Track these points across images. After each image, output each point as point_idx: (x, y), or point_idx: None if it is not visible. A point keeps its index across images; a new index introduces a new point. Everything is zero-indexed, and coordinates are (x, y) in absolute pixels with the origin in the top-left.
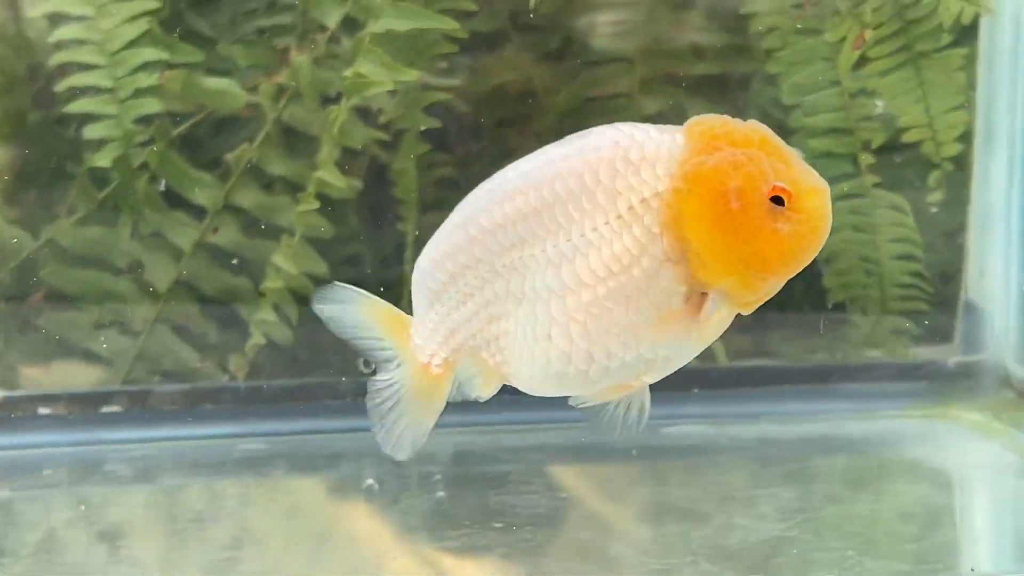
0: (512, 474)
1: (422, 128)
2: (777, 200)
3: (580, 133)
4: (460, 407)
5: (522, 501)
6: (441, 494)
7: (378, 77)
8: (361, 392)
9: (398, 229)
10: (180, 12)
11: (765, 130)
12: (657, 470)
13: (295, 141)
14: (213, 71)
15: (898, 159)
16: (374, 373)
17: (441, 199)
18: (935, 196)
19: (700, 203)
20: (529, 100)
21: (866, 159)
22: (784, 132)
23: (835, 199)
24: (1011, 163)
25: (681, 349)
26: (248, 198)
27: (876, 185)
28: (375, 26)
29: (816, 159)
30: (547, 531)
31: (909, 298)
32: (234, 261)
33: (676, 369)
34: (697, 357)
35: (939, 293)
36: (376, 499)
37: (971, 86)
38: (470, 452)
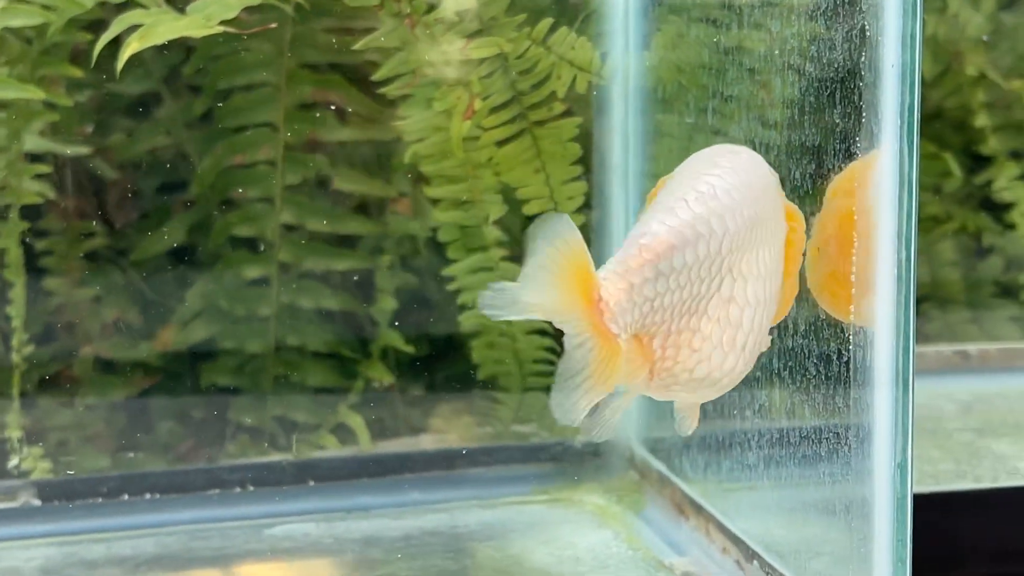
0: None
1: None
2: None
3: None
4: None
5: None
6: None
7: None
8: None
9: (5, 312)
10: None
11: None
12: None
13: None
14: None
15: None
16: None
17: (98, 270)
18: None
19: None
20: (183, 165)
21: (493, 233)
22: (423, 204)
23: (469, 272)
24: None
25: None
26: None
27: (504, 259)
28: None
29: (457, 228)
30: None
31: (544, 374)
32: None
33: None
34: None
35: None
36: None
37: (588, 155)
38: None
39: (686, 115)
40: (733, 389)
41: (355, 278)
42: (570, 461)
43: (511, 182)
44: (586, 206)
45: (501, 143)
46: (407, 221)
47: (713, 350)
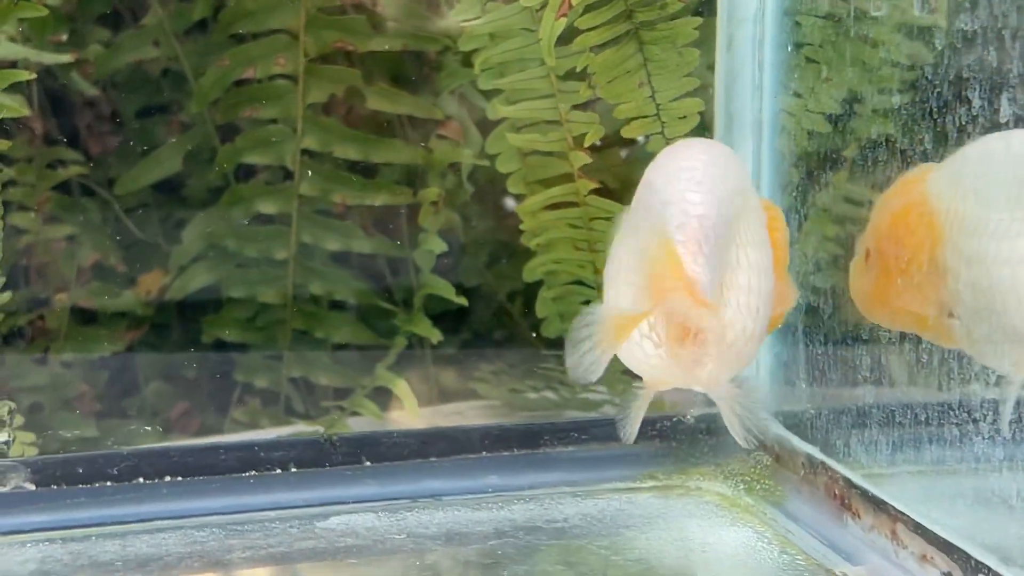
0: None
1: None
2: None
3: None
4: None
5: None
6: None
7: None
8: None
9: None
10: None
11: None
12: None
13: None
14: None
15: (619, 158)
16: None
17: (71, 205)
18: None
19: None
20: (175, 83)
21: (579, 159)
22: (484, 126)
23: (544, 208)
24: (757, 161)
25: None
26: None
27: (593, 191)
28: None
29: (528, 156)
30: None
31: None
32: None
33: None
34: None
35: None
36: None
37: (708, 66)
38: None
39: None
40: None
41: (393, 215)
42: (679, 440)
43: (608, 97)
44: (701, 128)
45: (598, 48)
46: (456, 148)
47: (735, 314)
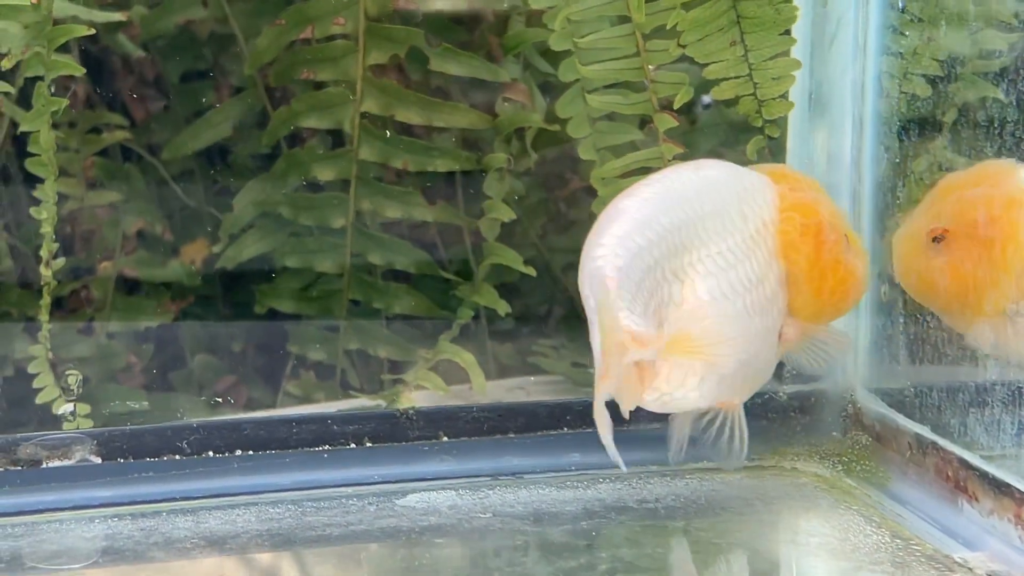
0: None
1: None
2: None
3: (688, 164)
4: None
5: None
6: None
7: None
8: None
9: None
10: None
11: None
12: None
13: None
14: None
15: (707, 122)
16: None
17: (114, 171)
18: None
19: (804, 231)
20: (223, 45)
21: (664, 122)
22: (550, 89)
23: (622, 175)
24: (856, 130)
25: (768, 373)
26: None
27: (678, 156)
28: None
29: (597, 121)
30: None
31: None
32: None
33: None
34: None
35: None
36: None
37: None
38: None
39: None
40: None
41: (448, 184)
42: (771, 418)
43: (698, 56)
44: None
45: (688, 4)
46: (523, 112)
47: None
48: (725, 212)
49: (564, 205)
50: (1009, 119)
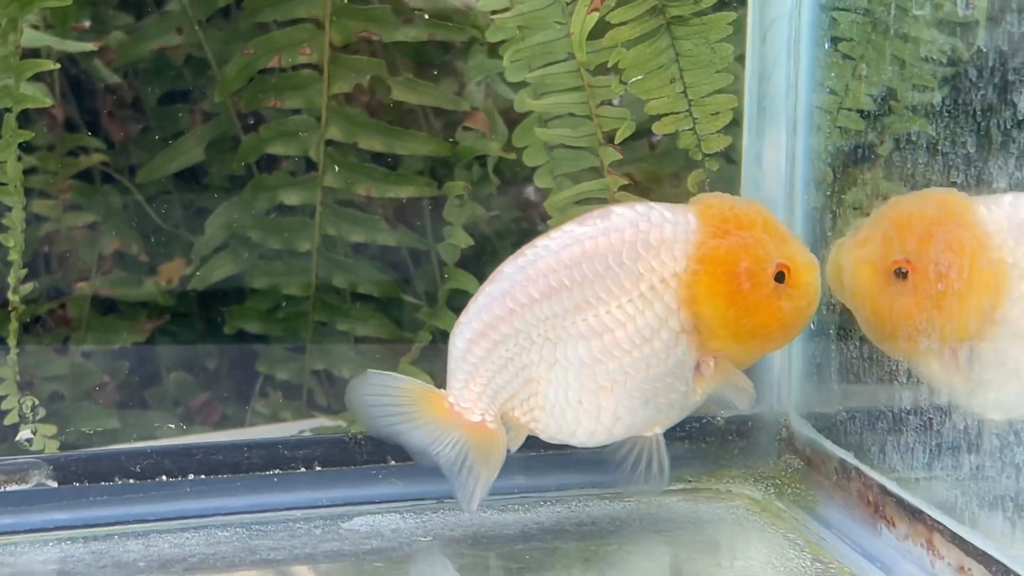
0: None
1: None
2: (779, 277)
3: (600, 212)
4: None
5: None
6: None
7: None
8: None
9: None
10: None
11: (766, 211)
12: None
13: None
14: None
15: (665, 148)
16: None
17: (92, 194)
18: None
19: (715, 283)
20: (198, 70)
21: (608, 155)
22: (510, 119)
23: (573, 203)
24: (791, 160)
25: (685, 405)
26: None
27: (623, 188)
28: None
29: (554, 149)
30: None
31: None
32: None
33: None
34: None
35: None
36: None
37: (740, 60)
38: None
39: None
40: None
41: (415, 208)
42: (708, 442)
43: (639, 93)
44: (735, 125)
45: (630, 43)
46: (482, 140)
47: (555, 409)
48: (611, 276)
49: (530, 227)
50: (941, 151)
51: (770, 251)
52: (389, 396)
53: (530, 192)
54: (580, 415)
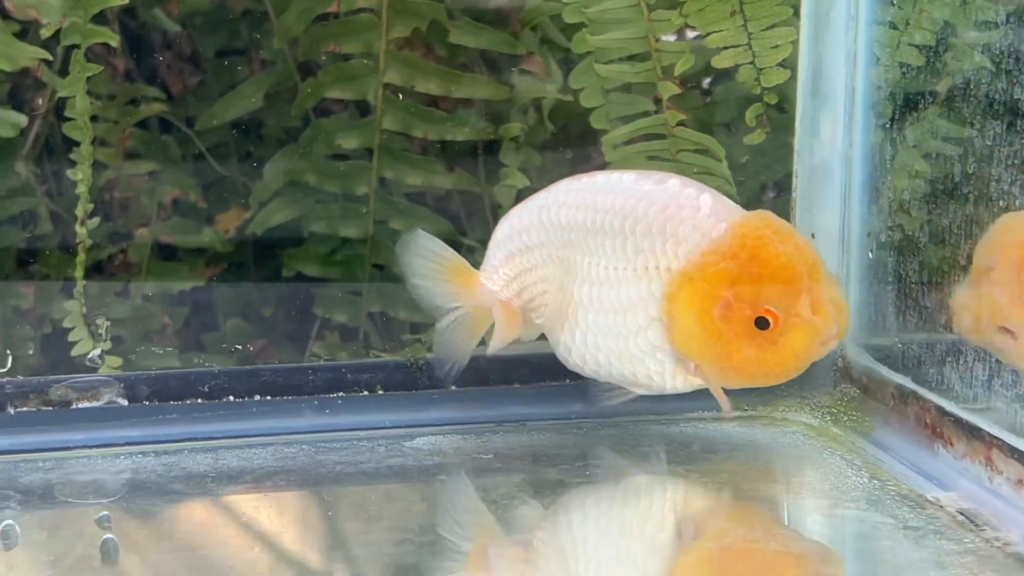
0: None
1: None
2: (761, 323)
3: (660, 175)
4: None
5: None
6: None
7: None
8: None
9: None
10: None
11: (808, 258)
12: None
13: None
14: None
15: (708, 90)
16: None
17: (150, 143)
18: (754, 137)
19: (691, 297)
20: (256, 21)
21: (668, 89)
22: (570, 65)
23: (629, 140)
24: (850, 95)
25: (665, 387)
26: None
27: (681, 123)
28: None
29: (609, 92)
30: None
31: None
32: None
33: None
34: None
35: None
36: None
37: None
38: (143, 481)
39: None
40: None
41: (474, 151)
42: None
43: (699, 26)
44: (794, 56)
45: None
46: (539, 83)
47: (552, 330)
48: (621, 238)
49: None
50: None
51: (762, 293)
52: (431, 256)
53: (585, 144)
54: (566, 342)
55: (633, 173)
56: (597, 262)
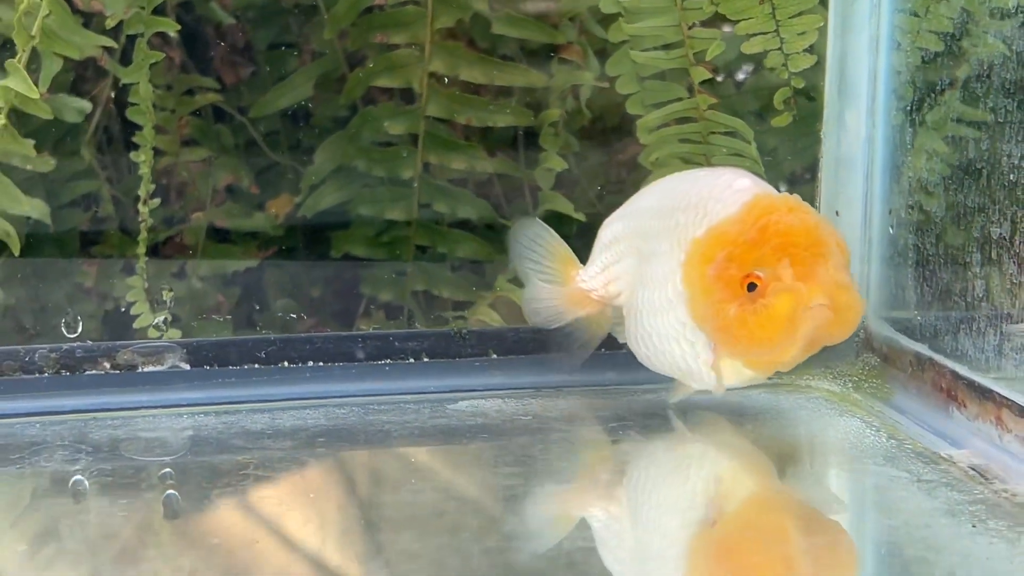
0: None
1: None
2: (750, 287)
3: (718, 169)
4: None
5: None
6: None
7: None
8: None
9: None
10: None
11: (817, 231)
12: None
13: None
14: None
15: (738, 75)
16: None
17: (205, 131)
18: (782, 120)
19: (696, 257)
20: (306, 15)
21: (699, 74)
22: (604, 52)
23: (663, 124)
24: (872, 81)
25: (695, 377)
26: None
27: (712, 107)
28: None
29: (644, 79)
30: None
31: None
32: None
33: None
34: None
35: None
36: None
37: None
38: (205, 438)
39: None
40: None
41: (515, 137)
42: None
43: (729, 14)
44: (822, 41)
45: None
46: (577, 71)
47: (626, 319)
48: (669, 215)
49: (624, 170)
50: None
51: (750, 256)
52: (540, 243)
53: (622, 134)
54: (629, 327)
55: (709, 168)
56: (651, 243)
